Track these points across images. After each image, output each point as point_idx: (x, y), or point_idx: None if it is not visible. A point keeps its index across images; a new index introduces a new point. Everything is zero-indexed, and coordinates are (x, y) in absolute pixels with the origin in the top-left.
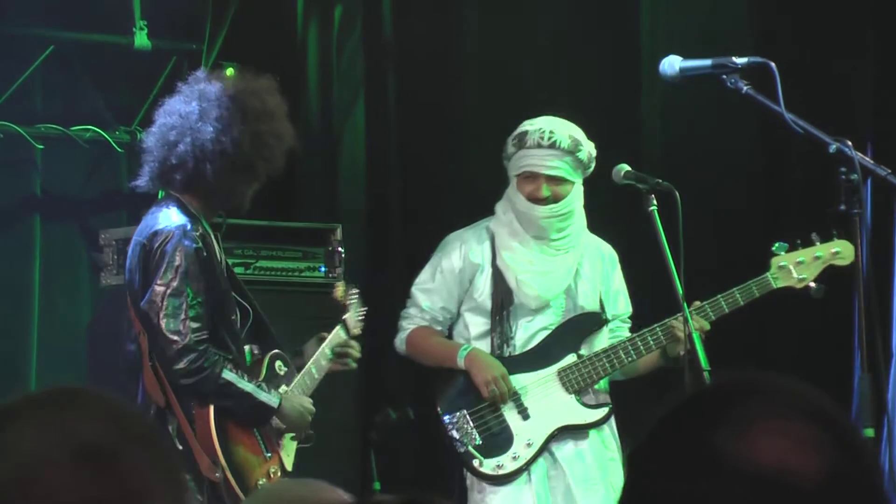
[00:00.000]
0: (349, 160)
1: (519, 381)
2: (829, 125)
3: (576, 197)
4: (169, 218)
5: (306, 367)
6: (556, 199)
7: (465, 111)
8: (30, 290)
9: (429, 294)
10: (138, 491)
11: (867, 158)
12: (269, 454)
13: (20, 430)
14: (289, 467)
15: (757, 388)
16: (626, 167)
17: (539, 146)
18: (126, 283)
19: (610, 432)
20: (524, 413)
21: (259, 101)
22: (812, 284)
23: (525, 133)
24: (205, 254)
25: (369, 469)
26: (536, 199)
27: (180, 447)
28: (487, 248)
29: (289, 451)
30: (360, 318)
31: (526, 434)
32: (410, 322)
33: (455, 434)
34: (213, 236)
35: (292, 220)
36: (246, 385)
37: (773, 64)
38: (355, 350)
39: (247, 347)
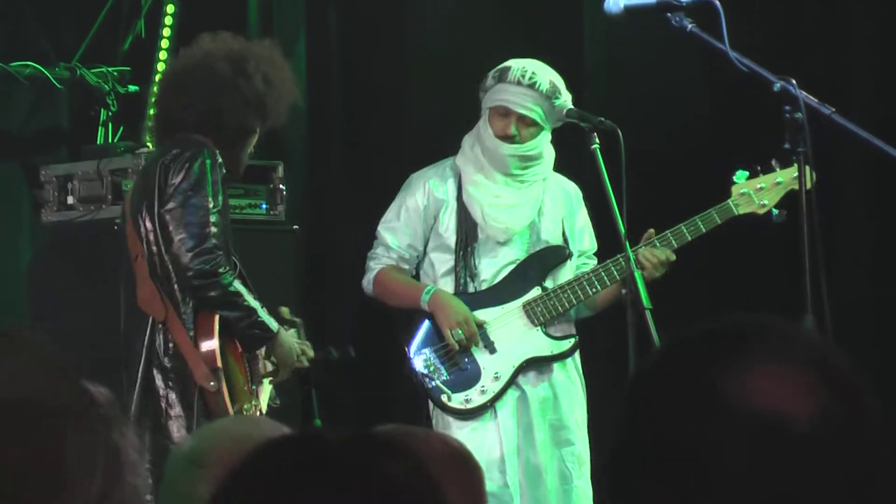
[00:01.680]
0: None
1: (485, 315)
2: (774, 65)
3: (543, 143)
4: (190, 144)
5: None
6: (522, 140)
7: (410, 46)
8: None
9: (394, 232)
10: (62, 449)
11: (812, 97)
12: (254, 388)
13: None
14: (263, 409)
15: (759, 332)
16: (568, 104)
17: (519, 84)
18: (133, 209)
19: (574, 367)
20: (491, 347)
21: (267, 52)
22: (773, 210)
23: (507, 69)
24: (223, 171)
25: (310, 407)
26: (504, 136)
27: (168, 364)
28: (452, 184)
29: (265, 395)
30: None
31: (493, 367)
32: (377, 262)
33: (423, 370)
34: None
35: None
36: (252, 301)
37: (717, 2)
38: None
39: None
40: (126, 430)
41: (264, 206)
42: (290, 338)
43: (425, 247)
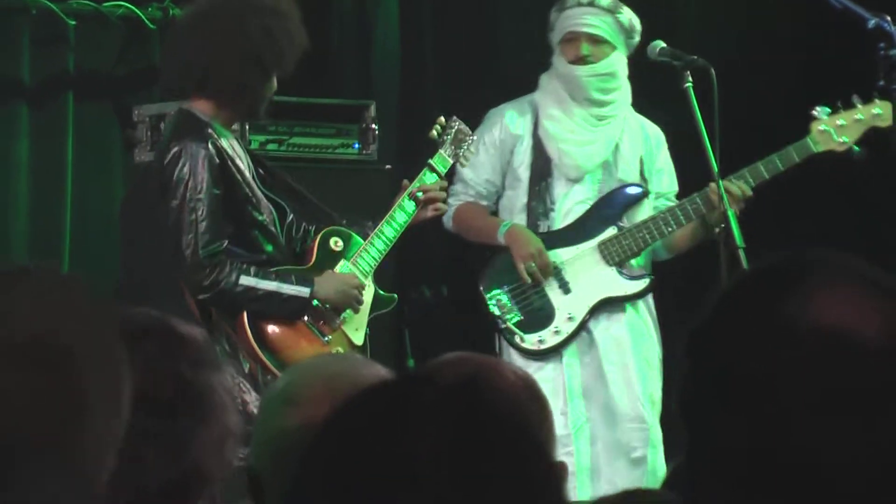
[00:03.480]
0: (382, 37)
1: (560, 255)
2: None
3: (617, 62)
4: (176, 133)
5: (377, 228)
6: (595, 59)
7: None
8: (63, 170)
9: (472, 167)
10: (79, 388)
11: None
12: (328, 337)
13: None
14: (358, 341)
15: (818, 260)
16: (661, 44)
17: (579, 5)
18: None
19: (646, 308)
20: (565, 287)
21: (271, 1)
22: (854, 147)
23: None
24: (217, 161)
25: (403, 346)
26: (576, 59)
27: (228, 349)
28: (529, 119)
29: (357, 325)
30: (460, 151)
31: (567, 308)
32: (456, 199)
33: (496, 311)
34: (231, 140)
35: (326, 97)
36: (268, 284)
37: None
38: (439, 191)
39: (312, 229)
40: (218, 369)
41: (357, 145)
42: (332, 279)
43: (503, 180)
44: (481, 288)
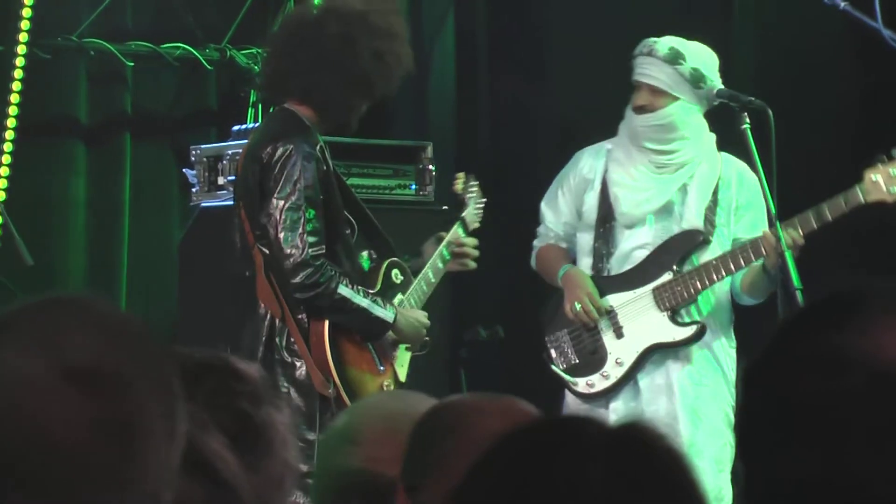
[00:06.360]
0: (439, 78)
1: (616, 300)
2: None
3: (678, 112)
4: (285, 131)
5: (423, 271)
6: (652, 108)
7: (556, 28)
8: (120, 208)
9: (553, 210)
10: (135, 416)
11: None
12: (382, 367)
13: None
14: (402, 378)
15: (878, 292)
16: (718, 85)
17: (641, 55)
18: (239, 196)
19: (709, 356)
20: (619, 332)
21: (384, 21)
22: None
23: (638, 46)
24: (324, 167)
25: (459, 386)
26: (637, 108)
27: (288, 359)
28: (601, 164)
29: (402, 362)
30: (479, 211)
31: (617, 352)
32: (539, 240)
33: (553, 353)
34: (326, 149)
35: (383, 137)
36: (361, 300)
37: None
38: (472, 249)
39: (364, 253)
40: (277, 406)
41: (413, 186)
42: (410, 314)
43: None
44: (542, 330)
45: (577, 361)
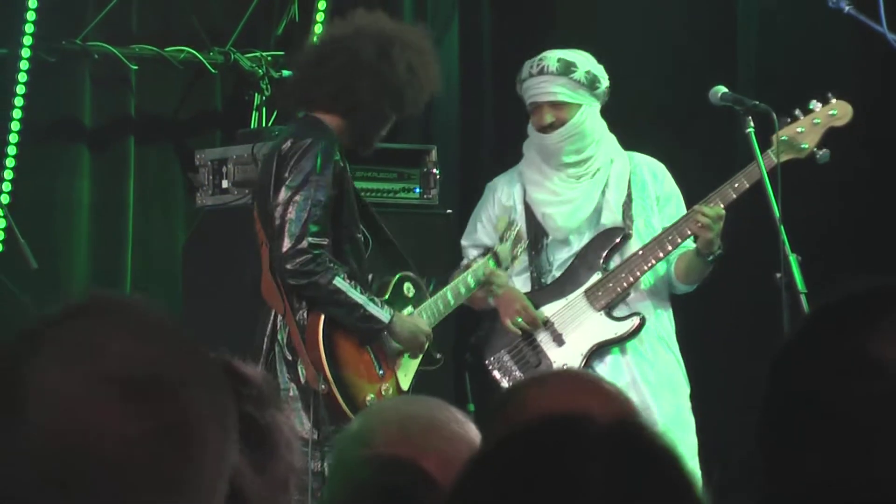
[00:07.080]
0: (444, 81)
1: (550, 309)
2: None
3: (586, 118)
4: (310, 130)
5: (441, 291)
6: (561, 123)
7: (561, 32)
8: (124, 211)
9: (474, 245)
10: (194, 425)
11: None
12: (382, 372)
13: (45, 365)
14: (405, 386)
15: None
16: (722, 88)
17: (531, 76)
18: (254, 196)
19: (658, 348)
20: (559, 339)
21: (417, 39)
22: (816, 151)
23: (521, 68)
24: (341, 165)
25: (463, 391)
26: (543, 129)
27: (290, 357)
28: (518, 189)
29: (407, 371)
30: (516, 251)
31: (562, 359)
32: None
33: (497, 374)
34: (346, 161)
35: (387, 141)
36: (357, 296)
37: None
38: (502, 279)
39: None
40: (280, 409)
41: (418, 189)
42: (410, 321)
43: None
44: (481, 356)
45: (522, 376)
